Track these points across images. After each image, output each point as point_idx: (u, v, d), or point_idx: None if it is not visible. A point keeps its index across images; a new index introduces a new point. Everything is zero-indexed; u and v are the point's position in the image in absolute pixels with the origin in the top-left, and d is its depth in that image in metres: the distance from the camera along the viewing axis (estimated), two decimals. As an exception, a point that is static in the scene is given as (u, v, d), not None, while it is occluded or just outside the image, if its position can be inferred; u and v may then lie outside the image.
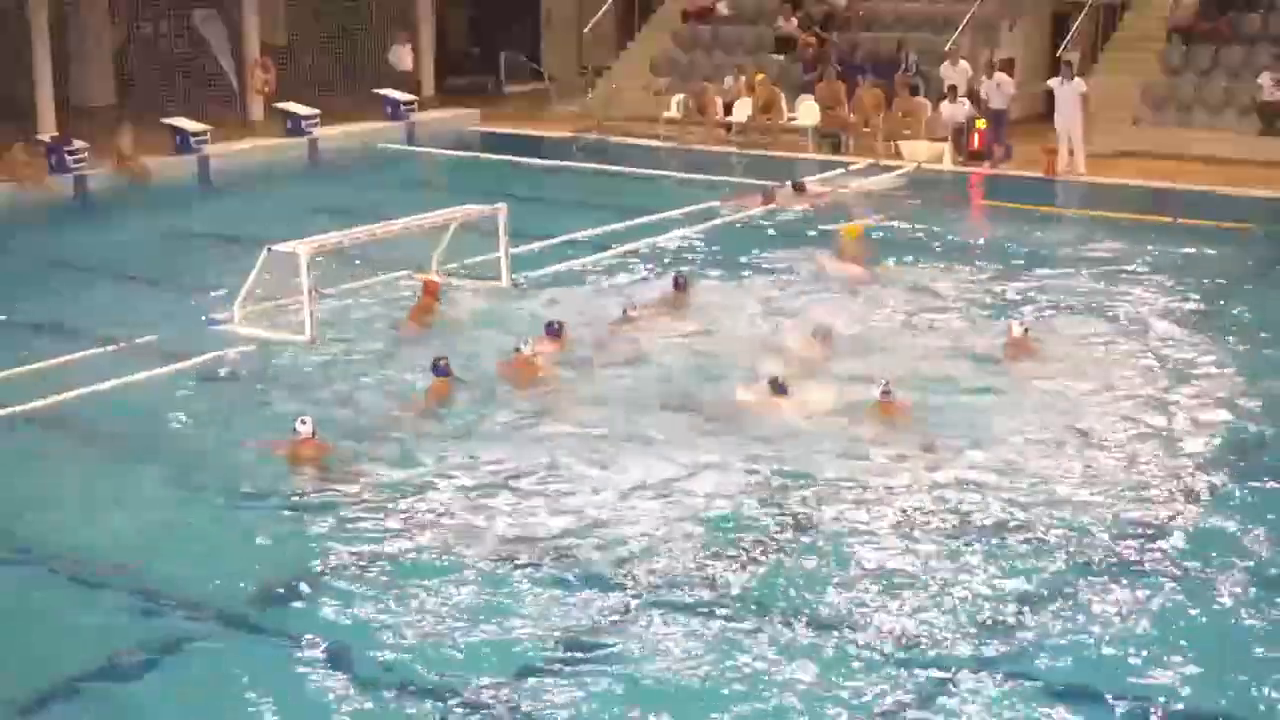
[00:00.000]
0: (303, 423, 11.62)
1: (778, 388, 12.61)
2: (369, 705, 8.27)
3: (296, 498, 11.00)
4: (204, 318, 15.40)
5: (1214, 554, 9.94)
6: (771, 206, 20.74)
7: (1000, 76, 24.00)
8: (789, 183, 21.56)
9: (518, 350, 13.42)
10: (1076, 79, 23.02)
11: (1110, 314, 15.47)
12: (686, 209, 20.51)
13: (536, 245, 18.25)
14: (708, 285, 16.54)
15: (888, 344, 14.38)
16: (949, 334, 14.76)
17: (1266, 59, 24.00)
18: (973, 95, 24.39)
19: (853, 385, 12.87)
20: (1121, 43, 26.35)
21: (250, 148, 25.24)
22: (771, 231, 19.60)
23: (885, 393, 12.28)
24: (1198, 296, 16.06)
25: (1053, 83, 23.27)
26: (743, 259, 17.77)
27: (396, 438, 12.07)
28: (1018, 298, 16.09)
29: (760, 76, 26.32)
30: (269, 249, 15.03)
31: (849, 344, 14.22)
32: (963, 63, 25.00)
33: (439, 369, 13.02)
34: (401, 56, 29.75)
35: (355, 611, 9.25)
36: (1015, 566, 9.75)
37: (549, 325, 14.22)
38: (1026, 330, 14.11)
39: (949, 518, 10.48)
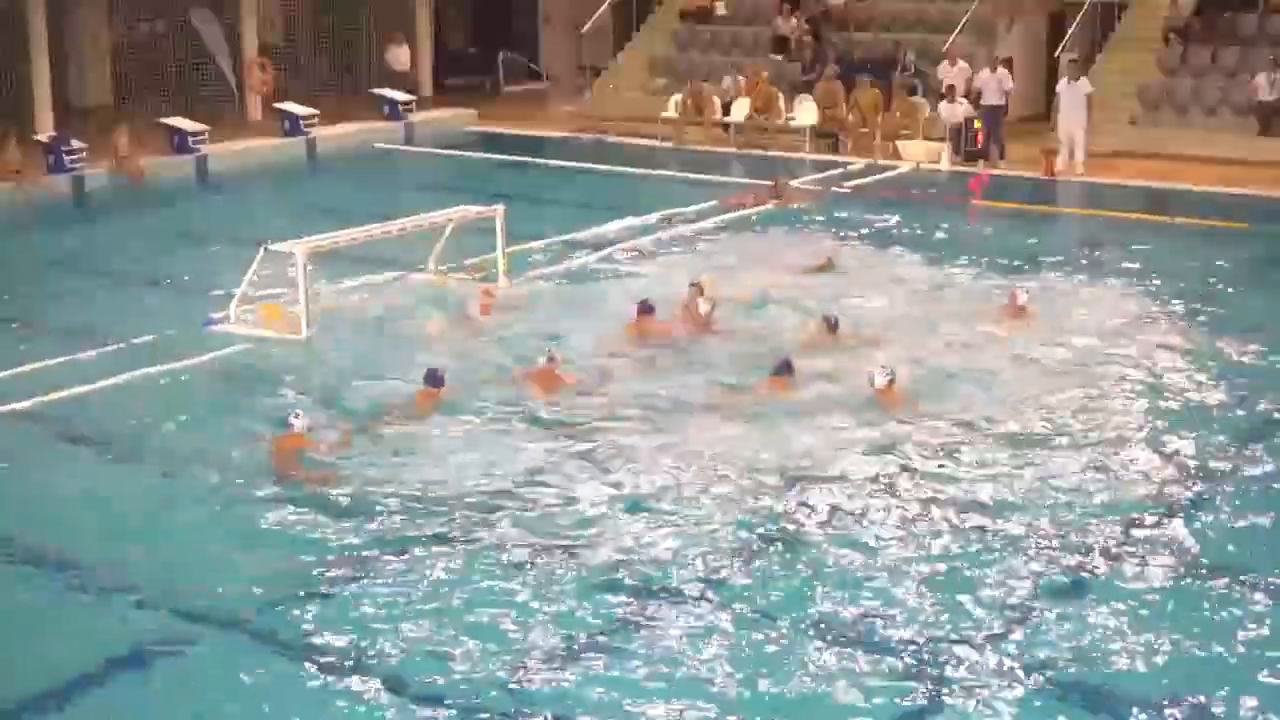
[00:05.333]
0: (296, 417, 11.65)
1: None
2: (369, 705, 8.26)
3: (296, 497, 10.97)
4: (201, 317, 15.38)
5: (1212, 553, 9.95)
6: (765, 206, 20.76)
7: (1001, 72, 23.91)
8: (770, 183, 21.58)
9: (551, 358, 13.19)
10: (1082, 79, 22.99)
11: (1107, 314, 15.42)
12: (683, 209, 20.51)
13: (533, 245, 18.25)
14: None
15: (884, 337, 14.42)
16: (943, 327, 14.77)
17: (1263, 60, 24.00)
18: (971, 95, 24.38)
19: (851, 376, 13.00)
20: (1119, 43, 26.33)
21: (248, 147, 25.22)
22: (757, 228, 19.66)
23: (890, 380, 12.38)
24: (1195, 296, 16.03)
25: (1061, 84, 23.27)
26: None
27: (394, 437, 12.06)
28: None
29: (759, 76, 26.33)
30: (265, 248, 15.04)
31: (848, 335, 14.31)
32: (961, 62, 24.96)
33: (434, 379, 12.60)
34: (399, 56, 29.77)
35: (356, 611, 9.24)
36: (1014, 565, 9.75)
37: (641, 304, 14.56)
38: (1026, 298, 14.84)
39: (948, 513, 10.51)
